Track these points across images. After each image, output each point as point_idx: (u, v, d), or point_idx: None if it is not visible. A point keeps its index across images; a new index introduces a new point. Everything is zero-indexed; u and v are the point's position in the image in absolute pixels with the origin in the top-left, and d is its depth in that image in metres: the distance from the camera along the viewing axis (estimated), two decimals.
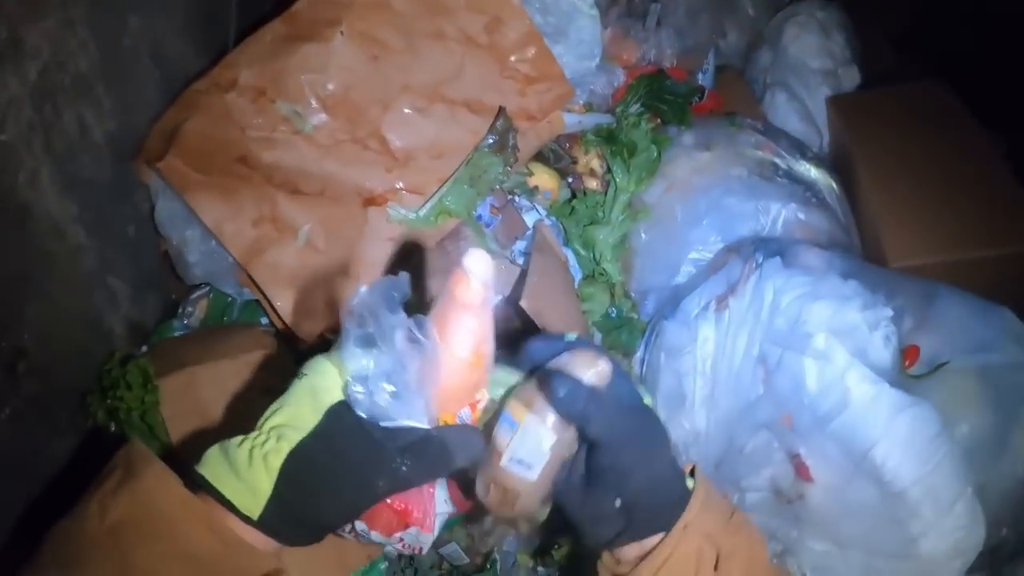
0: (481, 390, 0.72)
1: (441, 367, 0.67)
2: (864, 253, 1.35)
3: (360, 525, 0.80)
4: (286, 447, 0.64)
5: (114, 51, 1.03)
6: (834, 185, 1.35)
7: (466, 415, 0.72)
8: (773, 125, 1.48)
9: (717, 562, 0.70)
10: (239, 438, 0.66)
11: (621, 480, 0.70)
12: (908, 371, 1.07)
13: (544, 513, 0.75)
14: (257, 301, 1.20)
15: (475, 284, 0.65)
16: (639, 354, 1.23)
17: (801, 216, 1.24)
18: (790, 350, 1.01)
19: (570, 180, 1.34)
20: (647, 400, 0.74)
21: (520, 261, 1.19)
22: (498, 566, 1.13)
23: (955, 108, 1.49)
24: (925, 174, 1.38)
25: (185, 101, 1.14)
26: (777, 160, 1.30)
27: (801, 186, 1.29)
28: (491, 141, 1.16)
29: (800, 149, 1.37)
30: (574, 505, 0.73)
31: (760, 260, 1.10)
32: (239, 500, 0.64)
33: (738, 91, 1.63)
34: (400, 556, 1.08)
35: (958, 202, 1.33)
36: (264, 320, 1.21)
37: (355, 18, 1.13)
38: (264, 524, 0.64)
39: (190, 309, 1.25)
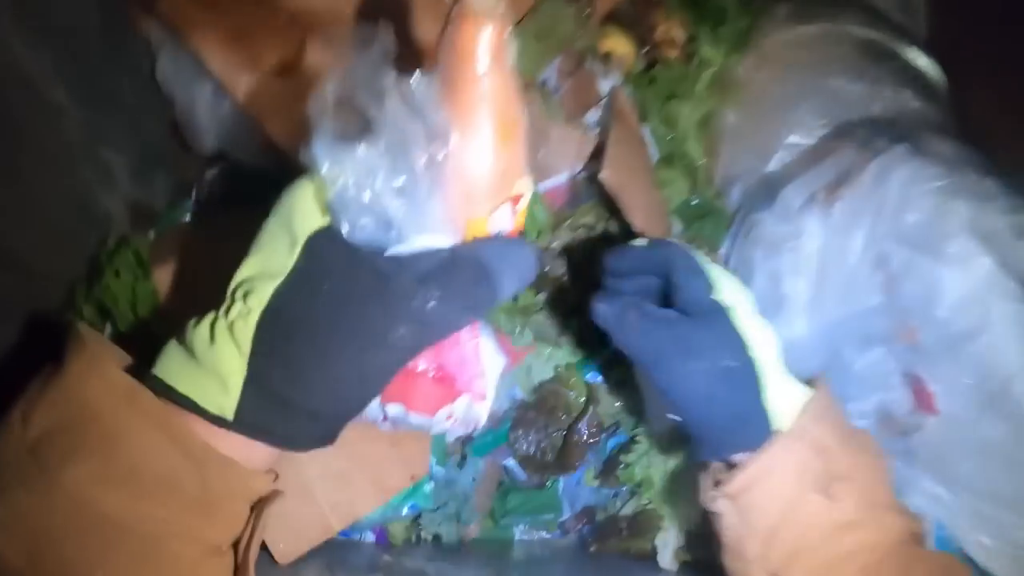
0: (520, 179, 0.55)
1: (459, 149, 0.49)
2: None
3: (393, 408, 0.61)
4: (257, 306, 0.47)
5: None
6: (941, 78, 1.18)
7: (504, 218, 0.54)
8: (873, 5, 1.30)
9: (823, 478, 0.64)
10: (195, 318, 0.51)
11: (663, 397, 0.66)
12: None
13: None
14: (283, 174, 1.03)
15: (486, 24, 0.48)
16: (724, 249, 1.08)
17: (917, 105, 1.08)
18: (921, 253, 0.87)
19: (646, 50, 1.17)
20: (721, 295, 0.66)
21: (592, 133, 1.03)
22: (560, 484, 1.01)
23: None
24: None
25: None
26: (887, 43, 1.13)
27: (912, 73, 1.13)
28: None
29: (907, 34, 1.20)
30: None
31: (883, 146, 0.95)
32: (203, 396, 0.48)
33: None
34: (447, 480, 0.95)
35: None
36: None
37: None
38: (244, 423, 0.48)
39: (205, 188, 1.07)
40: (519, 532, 1.01)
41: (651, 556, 0.98)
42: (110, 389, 0.48)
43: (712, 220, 1.09)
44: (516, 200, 0.55)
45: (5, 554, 0.46)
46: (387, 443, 0.85)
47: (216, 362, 0.48)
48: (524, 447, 0.97)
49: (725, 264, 1.06)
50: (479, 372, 0.64)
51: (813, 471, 0.64)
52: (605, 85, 1.08)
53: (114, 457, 0.47)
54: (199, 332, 0.50)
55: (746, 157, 1.11)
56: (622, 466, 0.97)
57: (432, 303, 0.49)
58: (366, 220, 0.47)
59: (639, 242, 0.74)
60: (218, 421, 0.48)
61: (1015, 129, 1.13)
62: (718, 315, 0.65)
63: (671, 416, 0.67)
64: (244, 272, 0.50)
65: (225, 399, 0.48)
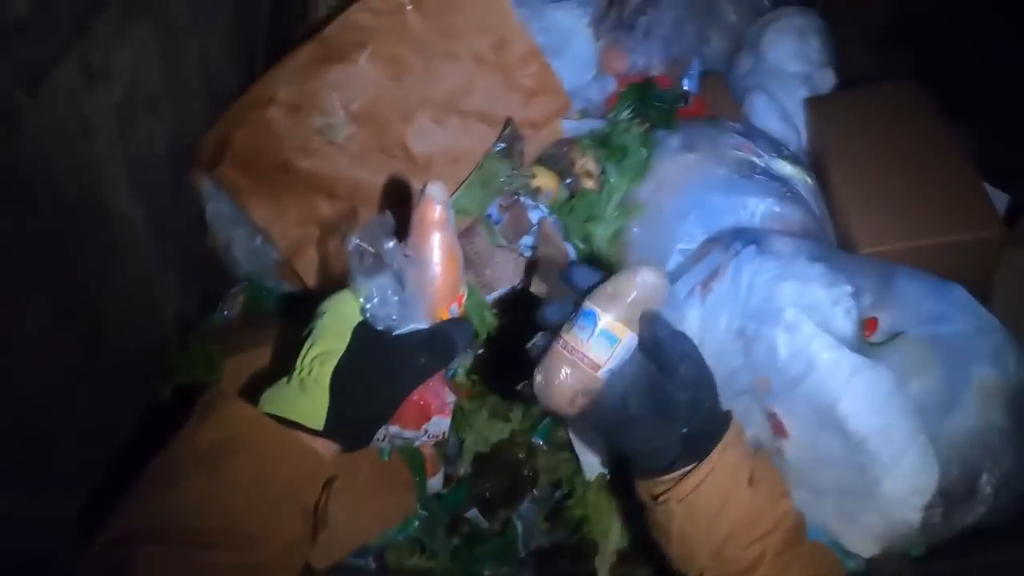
0: (461, 287, 0.95)
1: (427, 275, 0.89)
2: (837, 240, 1.54)
3: (393, 428, 0.97)
4: (329, 368, 0.83)
5: (176, 72, 1.20)
6: (809, 180, 1.54)
7: (455, 310, 0.94)
8: (753, 126, 1.66)
9: (751, 479, 0.88)
10: (284, 378, 0.85)
11: (694, 410, 0.87)
12: (868, 340, 1.25)
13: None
14: (291, 294, 1.40)
15: (438, 206, 0.88)
16: None
17: (777, 209, 1.42)
18: (764, 324, 1.20)
19: (568, 181, 1.52)
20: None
21: (527, 254, 1.38)
22: (519, 528, 1.32)
23: (924, 105, 1.68)
24: (892, 167, 1.57)
25: (232, 115, 1.33)
26: (755, 159, 1.49)
27: (777, 182, 1.47)
28: (500, 148, 1.36)
29: (777, 148, 1.56)
30: (635, 436, 0.89)
31: (738, 248, 1.29)
32: (304, 418, 0.82)
33: (721, 95, 1.81)
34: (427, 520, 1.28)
35: (922, 193, 1.52)
36: None
37: (380, 41, 1.33)
38: (329, 431, 0.82)
39: (229, 302, 1.45)
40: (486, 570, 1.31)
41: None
42: (248, 417, 0.82)
43: None
44: (460, 299, 0.95)
45: (187, 519, 0.75)
46: (384, 487, 1.20)
47: (308, 399, 0.82)
48: (483, 493, 1.30)
49: None
50: (444, 399, 1.01)
51: (741, 472, 0.88)
52: (535, 215, 1.44)
53: (253, 453, 0.79)
54: (291, 386, 0.84)
55: (648, 262, 1.44)
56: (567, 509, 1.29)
57: (423, 359, 0.87)
58: (383, 316, 0.85)
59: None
60: (313, 432, 0.82)
61: (869, 211, 1.51)
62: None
63: (677, 431, 0.86)
64: (314, 351, 0.84)
65: (318, 419, 0.82)
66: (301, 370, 0.84)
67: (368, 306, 0.86)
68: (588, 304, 0.85)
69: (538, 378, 0.86)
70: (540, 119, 1.40)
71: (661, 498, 0.89)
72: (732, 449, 0.89)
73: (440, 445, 1.34)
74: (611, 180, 1.48)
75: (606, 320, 0.84)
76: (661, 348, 0.87)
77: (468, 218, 1.36)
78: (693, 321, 1.30)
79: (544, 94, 1.39)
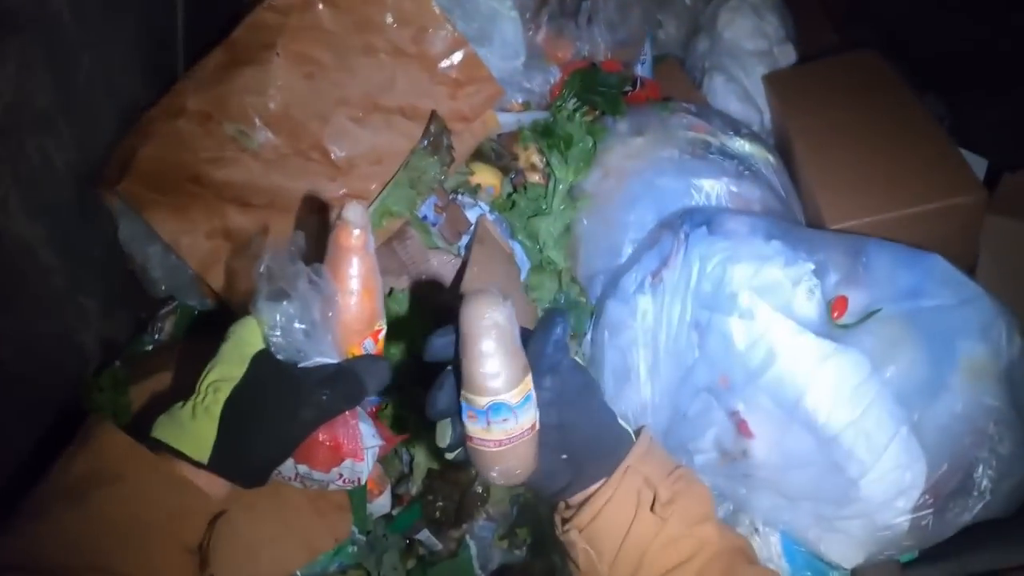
0: (378, 320, 0.85)
1: (339, 304, 0.80)
2: (807, 219, 1.44)
3: (302, 468, 0.89)
4: (222, 397, 0.76)
5: (71, 87, 1.14)
6: (770, 157, 1.44)
7: (370, 345, 0.85)
8: (708, 107, 1.58)
9: (654, 503, 0.77)
10: (181, 402, 0.77)
11: (567, 436, 0.77)
12: (837, 322, 1.15)
13: None
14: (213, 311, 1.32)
15: (354, 230, 0.78)
16: (588, 335, 1.32)
17: (734, 189, 1.33)
18: (717, 312, 1.10)
19: (512, 176, 1.44)
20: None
21: (459, 254, 1.29)
22: (472, 550, 1.22)
23: (887, 75, 1.59)
24: (858, 139, 1.47)
25: (139, 129, 1.25)
26: (709, 139, 1.40)
27: (734, 161, 1.38)
28: (426, 144, 1.26)
29: (734, 127, 1.47)
30: None
31: (687, 231, 1.19)
32: (189, 449, 0.75)
33: (677, 79, 1.73)
34: (369, 542, 1.18)
35: (891, 163, 1.43)
36: None
37: (288, 40, 1.24)
38: (214, 466, 0.75)
39: (159, 324, 1.37)
40: None
41: None
42: (123, 447, 0.75)
43: (575, 313, 1.34)
44: (376, 334, 0.86)
45: (49, 554, 0.70)
46: (313, 512, 1.12)
47: (197, 429, 0.75)
48: (433, 512, 1.20)
49: (588, 348, 1.30)
50: (358, 443, 0.92)
51: (645, 498, 0.77)
52: (474, 213, 1.35)
53: (124, 485, 0.73)
54: (184, 411, 0.77)
55: (599, 256, 1.36)
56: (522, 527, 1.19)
57: (324, 396, 0.78)
58: (286, 346, 0.77)
59: None
60: (198, 464, 0.75)
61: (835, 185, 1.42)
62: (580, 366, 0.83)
63: (561, 456, 0.78)
64: (211, 377, 0.77)
65: (202, 451, 0.75)
66: (196, 395, 0.77)
67: (270, 333, 0.77)
68: (485, 400, 0.71)
69: (495, 478, 0.76)
70: (470, 111, 1.31)
71: (565, 527, 0.81)
72: (634, 472, 0.78)
73: (387, 464, 1.25)
74: (556, 171, 1.39)
75: (510, 395, 0.71)
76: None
77: (399, 220, 1.28)
78: (646, 316, 1.20)
79: (472, 84, 1.29)
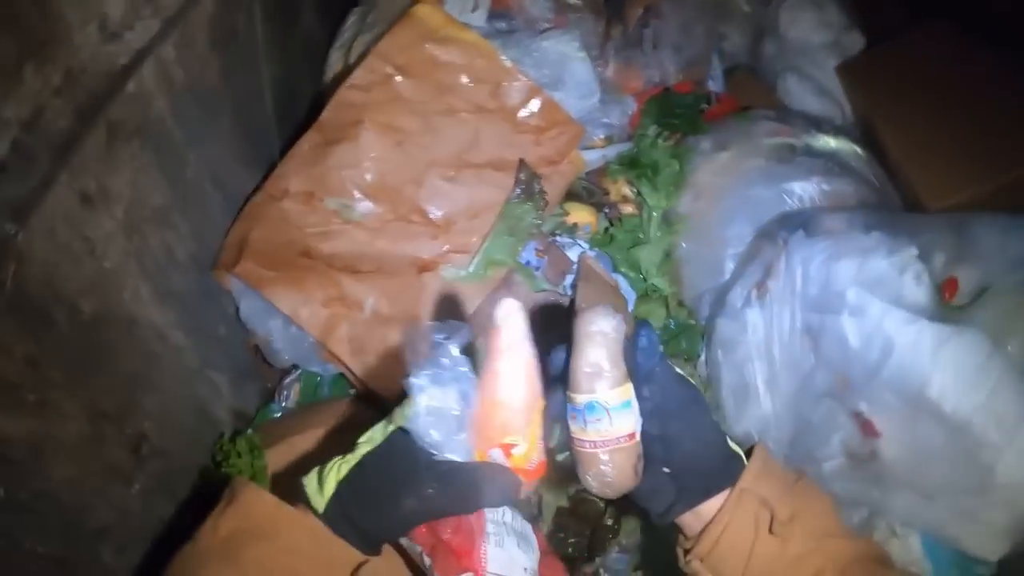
0: (515, 435, 0.80)
1: (478, 405, 0.79)
2: (905, 206, 1.43)
3: (428, 562, 0.92)
4: (353, 460, 0.80)
5: (181, 184, 1.22)
6: (858, 149, 1.44)
7: (497, 455, 0.81)
8: (786, 109, 1.59)
9: (772, 524, 0.77)
10: (334, 459, 0.83)
11: (669, 448, 0.79)
12: (950, 303, 1.14)
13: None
14: (342, 373, 1.38)
15: (504, 332, 0.78)
16: (702, 357, 1.34)
17: (825, 187, 1.33)
18: (827, 313, 1.11)
19: (607, 210, 1.48)
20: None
21: (567, 293, 1.33)
22: None
23: (964, 42, 1.56)
24: (945, 114, 1.46)
25: (247, 214, 1.35)
26: (793, 141, 1.41)
27: (821, 159, 1.38)
28: (518, 192, 1.32)
29: (816, 124, 1.47)
30: None
31: (785, 237, 1.20)
32: (313, 498, 0.80)
33: (751, 87, 1.75)
34: None
35: (983, 132, 1.41)
36: (352, 390, 1.39)
37: (374, 114, 1.32)
38: (326, 519, 0.79)
39: (285, 392, 1.45)
40: None
41: None
42: (269, 505, 0.80)
43: (686, 336, 1.36)
44: (508, 448, 0.81)
45: None
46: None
47: (324, 483, 0.80)
48: (565, 548, 1.22)
49: (704, 369, 1.32)
50: (481, 559, 0.93)
51: (764, 520, 0.77)
52: (574, 252, 1.39)
53: (274, 540, 0.77)
54: (327, 465, 0.81)
55: (703, 277, 1.37)
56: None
57: (431, 491, 0.78)
58: (421, 430, 0.78)
59: None
60: (314, 512, 0.79)
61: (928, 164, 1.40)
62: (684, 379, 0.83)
63: (663, 469, 0.79)
64: (361, 439, 0.81)
65: (320, 502, 0.79)
66: (344, 455, 0.82)
67: (412, 417, 0.78)
68: (583, 397, 0.77)
69: (591, 483, 0.79)
70: (556, 153, 1.36)
71: (687, 558, 0.83)
72: (749, 495, 0.79)
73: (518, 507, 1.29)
74: (648, 200, 1.42)
75: (607, 396, 0.76)
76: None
77: (503, 268, 1.33)
78: (756, 329, 1.21)
79: (553, 128, 1.35)
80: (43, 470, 0.90)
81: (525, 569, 0.96)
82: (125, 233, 1.08)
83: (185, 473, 1.21)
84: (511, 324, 0.77)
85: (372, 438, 0.82)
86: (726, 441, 0.82)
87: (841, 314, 1.09)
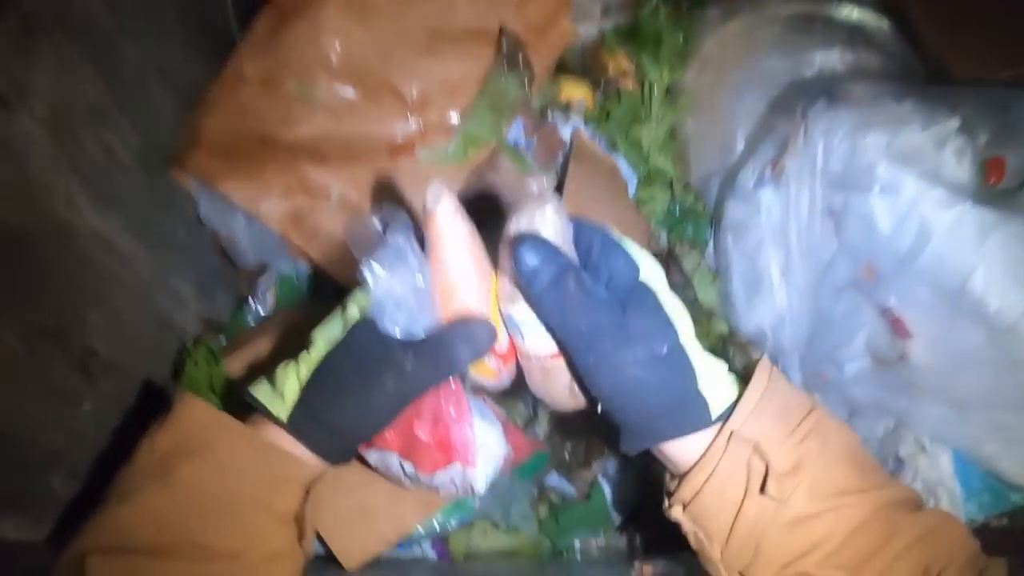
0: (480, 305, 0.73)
1: (438, 280, 0.71)
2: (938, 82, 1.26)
3: (407, 466, 0.82)
4: (315, 358, 0.72)
5: (119, 79, 1.10)
6: (883, 23, 1.26)
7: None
8: None
9: (765, 479, 0.63)
10: (282, 363, 0.74)
11: (588, 384, 0.67)
12: (995, 186, 0.97)
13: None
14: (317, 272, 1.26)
15: (437, 217, 0.69)
16: (710, 245, 1.20)
17: (849, 57, 1.17)
18: (853, 191, 0.96)
19: (603, 86, 1.32)
20: (644, 273, 0.68)
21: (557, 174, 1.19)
22: (606, 492, 1.13)
23: None
24: None
25: (201, 106, 1.20)
26: (811, 10, 1.24)
27: (843, 31, 1.22)
28: (501, 64, 1.16)
29: None
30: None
31: (804, 107, 1.05)
32: (272, 406, 0.71)
33: None
34: (493, 494, 1.10)
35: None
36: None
37: None
38: (293, 426, 0.71)
39: (261, 296, 1.32)
40: (578, 540, 1.14)
41: None
42: (207, 417, 0.72)
43: (692, 221, 1.21)
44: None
45: (141, 534, 0.67)
46: None
47: (282, 387, 0.72)
48: (561, 453, 1.12)
49: (712, 258, 1.17)
50: (470, 446, 0.83)
51: (756, 470, 0.63)
52: (568, 130, 1.24)
53: (212, 455, 0.69)
54: (279, 369, 0.73)
55: (711, 157, 1.22)
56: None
57: (409, 364, 0.70)
58: (386, 316, 0.70)
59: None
60: (276, 421, 0.71)
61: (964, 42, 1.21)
62: (647, 297, 0.66)
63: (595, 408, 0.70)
64: (311, 341, 0.73)
65: (283, 410, 0.71)
66: (297, 357, 0.74)
67: (372, 305, 0.71)
68: (502, 309, 0.73)
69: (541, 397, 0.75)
70: (542, 21, 1.19)
71: (668, 502, 0.70)
72: (740, 440, 0.64)
73: (511, 410, 1.17)
74: (649, 74, 1.26)
75: (517, 310, 0.70)
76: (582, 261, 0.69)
77: (486, 148, 1.18)
78: (772, 211, 1.07)
79: None
80: None
81: (499, 441, 0.88)
82: (52, 134, 0.98)
83: (147, 389, 1.11)
84: (442, 207, 0.69)
85: (329, 335, 0.73)
86: (679, 377, 0.66)
87: (869, 192, 0.95)
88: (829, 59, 1.17)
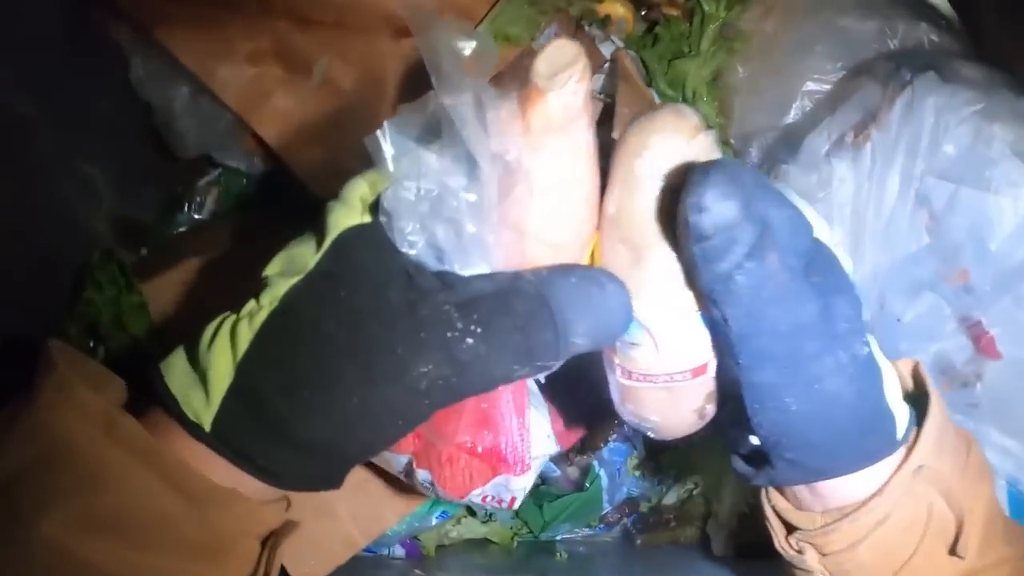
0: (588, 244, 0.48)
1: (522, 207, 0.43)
2: None
3: (423, 475, 0.57)
4: (267, 306, 0.41)
5: None
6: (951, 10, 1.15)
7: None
8: None
9: (957, 540, 0.49)
10: (218, 319, 0.45)
11: (758, 408, 0.46)
12: None
13: None
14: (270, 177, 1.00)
15: (551, 101, 0.43)
16: None
17: (934, 37, 1.04)
18: (967, 184, 0.83)
19: (644, 12, 1.14)
20: (819, 234, 0.48)
21: (601, 96, 1.00)
22: (602, 480, 0.97)
23: None
24: None
25: None
26: None
27: (924, 4, 1.09)
28: None
29: None
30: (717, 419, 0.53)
31: (907, 77, 0.91)
32: (185, 400, 0.43)
33: None
34: None
35: None
36: None
37: None
38: (221, 436, 0.42)
39: (198, 199, 1.07)
40: (561, 533, 0.97)
41: (700, 542, 0.93)
42: (85, 417, 0.42)
43: None
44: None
45: None
46: None
47: (206, 364, 0.42)
48: None
49: None
50: (526, 451, 0.59)
51: (938, 519, 0.49)
52: (606, 49, 1.05)
53: (96, 499, 0.41)
54: (204, 332, 0.44)
55: (762, 112, 1.06)
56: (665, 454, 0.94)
57: (470, 340, 0.41)
58: (417, 234, 0.41)
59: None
60: (193, 429, 0.42)
61: None
62: (834, 266, 0.48)
63: (748, 436, 0.50)
64: (268, 269, 0.44)
65: (205, 406, 0.42)
66: (234, 311, 0.45)
67: (394, 200, 0.41)
68: None
69: (642, 424, 0.52)
70: None
71: (796, 542, 0.52)
72: (925, 476, 0.48)
73: None
74: (704, 5, 1.09)
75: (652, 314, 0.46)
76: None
77: (517, 48, 0.96)
78: (843, 184, 0.91)
79: None
80: None
81: (549, 435, 0.63)
82: None
83: (37, 313, 0.82)
84: (568, 86, 0.42)
85: (295, 261, 0.43)
86: (874, 390, 0.48)
87: (987, 189, 0.81)
88: (916, 33, 1.03)
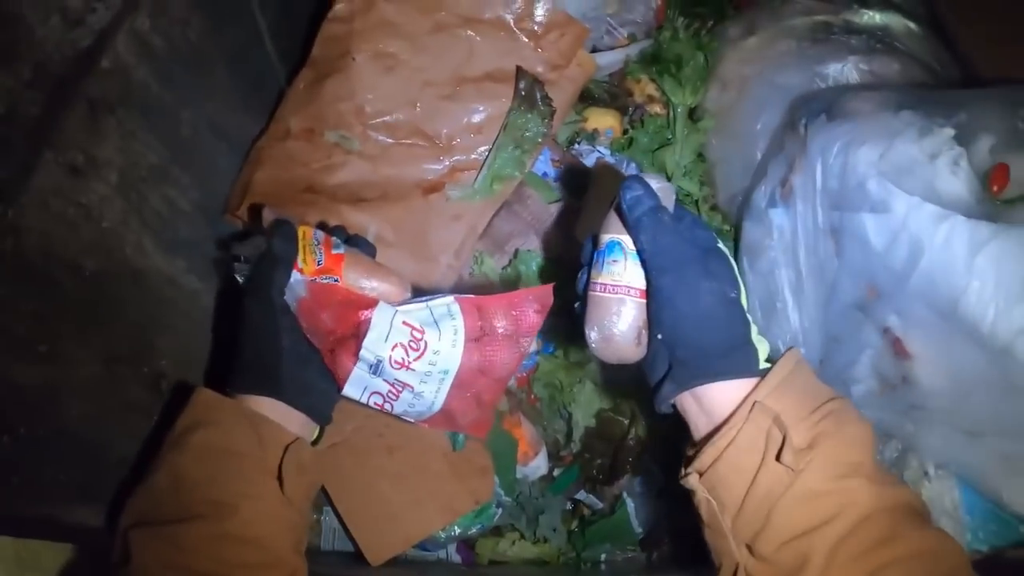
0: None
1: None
2: (967, 85, 1.21)
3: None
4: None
5: (177, 141, 1.21)
6: (911, 24, 1.23)
7: None
8: None
9: (782, 450, 0.65)
10: None
11: (660, 307, 0.71)
12: (997, 196, 0.93)
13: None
14: None
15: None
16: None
17: (864, 67, 1.14)
18: (847, 210, 0.95)
19: (631, 112, 1.35)
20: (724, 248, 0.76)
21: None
22: (629, 506, 1.17)
23: None
24: None
25: (252, 158, 1.31)
26: (830, 19, 1.22)
27: (863, 37, 1.19)
28: (519, 101, 1.21)
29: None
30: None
31: (806, 123, 1.04)
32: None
33: None
34: (519, 504, 1.18)
35: None
36: None
37: (360, 43, 1.25)
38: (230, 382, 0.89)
39: None
40: (602, 553, 1.19)
41: None
42: (213, 399, 0.86)
43: (723, 242, 1.22)
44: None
45: (166, 499, 0.79)
46: (454, 476, 1.16)
47: None
48: (590, 470, 1.19)
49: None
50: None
51: (775, 440, 0.65)
52: (592, 159, 1.28)
53: (216, 426, 0.83)
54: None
55: (737, 176, 1.23)
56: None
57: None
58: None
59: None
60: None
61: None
62: (724, 255, 0.75)
63: (657, 335, 0.72)
64: None
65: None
66: None
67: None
68: (607, 236, 0.76)
69: (592, 335, 0.76)
70: (559, 57, 1.23)
71: (685, 470, 0.71)
72: (763, 410, 0.66)
73: (548, 426, 1.22)
74: (672, 96, 1.29)
75: (626, 238, 0.75)
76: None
77: (512, 182, 1.24)
78: (783, 232, 1.07)
79: (552, 30, 1.22)
80: (60, 411, 0.95)
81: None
82: (121, 194, 1.09)
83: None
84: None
85: None
86: (740, 323, 0.71)
87: (861, 210, 0.94)
88: (844, 70, 1.15)
